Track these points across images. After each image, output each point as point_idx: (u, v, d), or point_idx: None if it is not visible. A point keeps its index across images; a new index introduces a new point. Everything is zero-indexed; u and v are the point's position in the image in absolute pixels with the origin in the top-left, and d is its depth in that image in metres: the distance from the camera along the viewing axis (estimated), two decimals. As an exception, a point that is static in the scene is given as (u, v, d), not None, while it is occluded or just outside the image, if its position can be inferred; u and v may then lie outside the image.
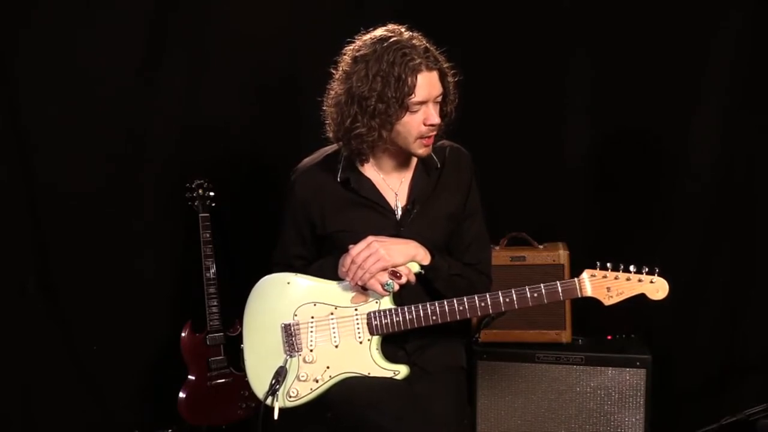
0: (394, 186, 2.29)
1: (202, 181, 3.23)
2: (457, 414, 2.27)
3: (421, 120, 2.13)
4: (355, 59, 2.14)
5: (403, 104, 2.09)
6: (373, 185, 2.27)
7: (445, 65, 2.17)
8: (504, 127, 3.30)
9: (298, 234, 2.33)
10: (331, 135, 2.23)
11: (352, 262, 2.12)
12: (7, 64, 3.04)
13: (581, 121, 3.31)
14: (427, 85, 2.10)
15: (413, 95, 2.08)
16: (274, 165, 2.92)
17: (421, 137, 2.15)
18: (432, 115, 2.12)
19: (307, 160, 2.36)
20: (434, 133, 2.17)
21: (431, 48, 2.14)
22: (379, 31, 2.15)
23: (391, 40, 2.10)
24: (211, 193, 3.23)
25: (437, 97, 2.14)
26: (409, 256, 2.16)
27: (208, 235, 3.20)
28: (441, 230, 2.29)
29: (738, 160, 3.15)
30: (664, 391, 3.00)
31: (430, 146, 2.19)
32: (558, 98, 3.32)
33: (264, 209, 3.05)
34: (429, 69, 2.10)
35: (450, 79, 2.19)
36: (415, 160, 2.30)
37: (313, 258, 2.34)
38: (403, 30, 2.15)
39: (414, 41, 2.11)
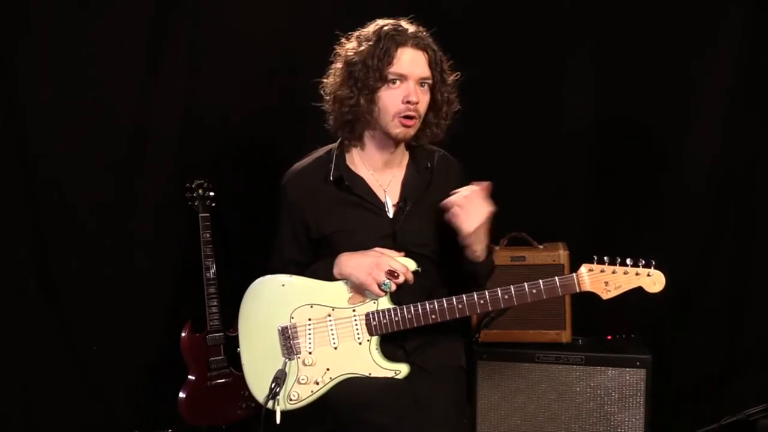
0: (384, 183, 2.29)
1: (202, 181, 3.23)
2: (456, 413, 2.26)
3: (400, 96, 2.15)
4: (353, 38, 2.24)
5: (382, 73, 2.15)
6: (365, 183, 2.28)
7: (443, 60, 2.22)
8: (504, 127, 3.30)
9: (293, 238, 2.32)
10: (328, 112, 2.27)
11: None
12: (7, 64, 3.04)
13: (581, 121, 3.31)
14: (409, 60, 2.16)
15: (392, 65, 2.14)
16: (275, 165, 2.90)
17: (399, 115, 2.16)
18: (412, 92, 2.15)
19: (297, 164, 2.36)
20: (413, 114, 2.17)
21: (428, 37, 2.21)
22: (385, 20, 2.23)
23: (390, 22, 2.21)
24: (211, 193, 3.23)
25: (422, 78, 2.17)
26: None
27: (208, 235, 3.20)
28: (437, 228, 2.28)
29: (738, 160, 3.15)
30: (664, 391, 3.00)
31: (410, 129, 2.19)
32: (558, 98, 3.32)
33: (264, 209, 3.03)
34: (415, 47, 2.17)
35: (446, 75, 2.23)
36: (406, 160, 2.32)
37: (310, 264, 2.32)
38: (407, 20, 2.23)
39: (411, 26, 2.20)
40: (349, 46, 2.22)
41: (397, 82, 2.16)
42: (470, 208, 2.16)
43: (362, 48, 2.18)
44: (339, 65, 2.24)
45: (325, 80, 2.27)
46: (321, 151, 2.35)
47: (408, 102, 2.15)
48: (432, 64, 2.19)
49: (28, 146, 3.11)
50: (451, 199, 2.18)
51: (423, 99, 2.18)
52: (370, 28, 2.21)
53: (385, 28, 2.18)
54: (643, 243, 3.20)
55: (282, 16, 3.34)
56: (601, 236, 3.26)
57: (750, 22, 3.06)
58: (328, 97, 2.26)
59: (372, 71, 2.15)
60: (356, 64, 2.17)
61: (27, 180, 3.12)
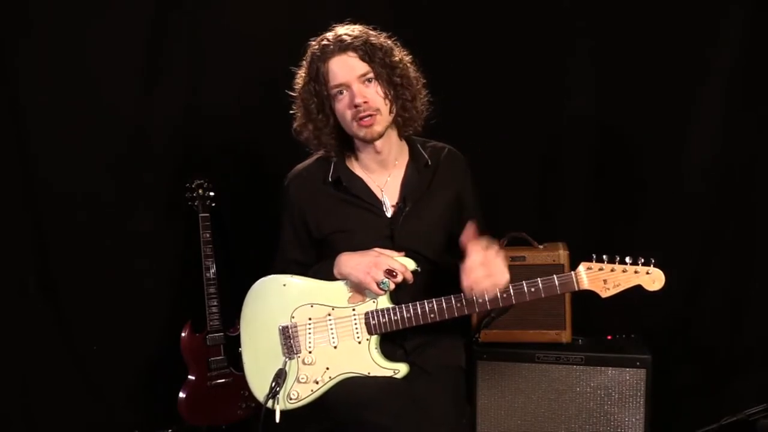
0: (380, 184, 2.30)
1: (202, 181, 3.23)
2: (455, 413, 2.26)
3: (347, 103, 2.17)
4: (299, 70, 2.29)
5: (322, 93, 2.19)
6: (364, 183, 2.29)
7: (381, 47, 2.19)
8: (504, 127, 3.29)
9: (295, 238, 2.34)
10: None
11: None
12: (7, 64, 3.05)
13: (581, 121, 3.30)
14: (339, 68, 2.17)
15: (328, 81, 2.17)
16: (275, 165, 2.91)
17: (355, 119, 2.17)
18: (355, 95, 2.16)
19: (299, 165, 2.39)
20: (367, 113, 2.16)
21: (355, 31, 2.20)
22: (315, 39, 2.25)
23: (317, 39, 2.23)
24: (211, 193, 3.24)
25: (360, 77, 2.17)
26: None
27: (208, 235, 3.20)
28: (437, 228, 2.29)
29: (738, 160, 3.14)
30: (663, 390, 2.99)
31: (373, 126, 2.18)
32: (558, 98, 3.31)
33: (264, 209, 3.04)
34: (340, 53, 2.17)
35: (388, 59, 2.19)
36: (405, 159, 2.33)
37: (313, 264, 2.32)
38: (340, 25, 2.24)
39: (338, 29, 2.21)
40: (297, 80, 2.28)
41: (343, 92, 2.18)
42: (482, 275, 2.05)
43: (303, 78, 2.26)
44: (297, 101, 2.30)
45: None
46: (322, 153, 2.35)
47: (356, 106, 2.16)
48: (366, 58, 2.17)
49: (28, 146, 3.12)
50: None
51: (371, 94, 2.17)
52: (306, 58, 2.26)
53: (313, 49, 2.22)
54: (643, 243, 3.19)
55: (282, 16, 3.33)
56: (601, 236, 3.25)
57: (750, 22, 3.05)
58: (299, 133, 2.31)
59: (315, 96, 2.21)
60: (303, 94, 2.25)
61: (27, 180, 3.13)
